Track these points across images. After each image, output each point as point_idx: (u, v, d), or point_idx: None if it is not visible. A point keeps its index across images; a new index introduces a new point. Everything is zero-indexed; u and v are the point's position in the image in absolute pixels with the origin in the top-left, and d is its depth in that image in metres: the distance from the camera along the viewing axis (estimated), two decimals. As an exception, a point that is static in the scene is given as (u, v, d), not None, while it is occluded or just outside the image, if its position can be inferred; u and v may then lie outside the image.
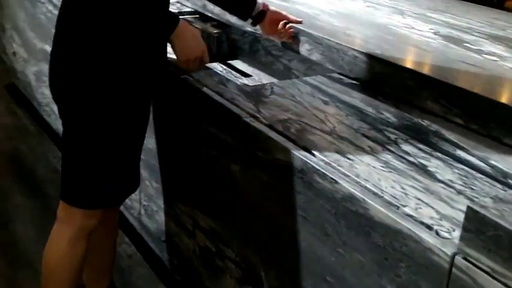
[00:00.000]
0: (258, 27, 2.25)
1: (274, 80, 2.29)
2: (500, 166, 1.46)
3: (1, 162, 3.67)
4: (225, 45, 2.83)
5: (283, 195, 1.58)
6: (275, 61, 2.52)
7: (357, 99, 1.86)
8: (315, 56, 2.20)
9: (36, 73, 3.75)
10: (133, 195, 2.52)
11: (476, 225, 1.07)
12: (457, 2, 2.97)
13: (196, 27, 2.04)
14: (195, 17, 2.83)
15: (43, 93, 3.70)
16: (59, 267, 2.02)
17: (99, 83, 1.80)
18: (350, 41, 2.14)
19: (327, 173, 1.41)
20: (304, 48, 2.24)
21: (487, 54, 2.07)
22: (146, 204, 2.49)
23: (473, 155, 1.51)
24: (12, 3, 4.17)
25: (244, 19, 2.23)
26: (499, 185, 1.36)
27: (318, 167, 1.44)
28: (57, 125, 3.49)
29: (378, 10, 2.64)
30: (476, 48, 2.13)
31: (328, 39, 2.13)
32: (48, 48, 2.97)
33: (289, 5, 2.69)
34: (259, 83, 2.16)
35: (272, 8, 2.22)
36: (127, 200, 2.64)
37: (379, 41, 2.17)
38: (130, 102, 1.89)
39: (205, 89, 1.91)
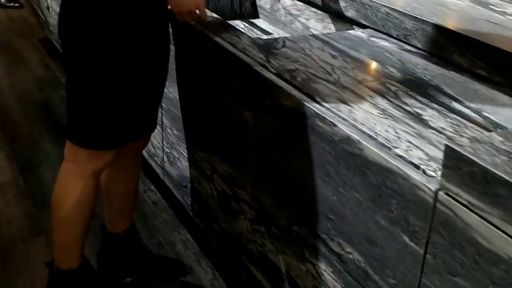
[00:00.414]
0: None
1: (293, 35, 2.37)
2: (492, 117, 1.52)
3: (33, 111, 3.79)
4: (248, 4, 2.90)
5: (290, 139, 1.66)
6: (294, 20, 2.59)
7: (364, 54, 1.92)
8: (350, 13, 2.29)
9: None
10: (156, 142, 2.63)
11: (454, 162, 1.14)
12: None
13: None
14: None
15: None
16: (63, 202, 2.05)
17: (103, 26, 1.82)
18: (382, -1, 2.22)
19: (327, 117, 1.49)
20: (339, 6, 2.33)
21: (510, 15, 2.13)
22: (168, 151, 2.59)
23: (468, 107, 1.57)
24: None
25: None
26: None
27: (318, 112, 1.52)
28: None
29: None
30: (500, 10, 2.19)
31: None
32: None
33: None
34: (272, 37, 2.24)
35: None
36: (151, 148, 2.75)
37: (410, 0, 2.24)
38: (134, 44, 1.90)
39: (219, 40, 1.98)
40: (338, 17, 2.35)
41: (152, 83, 2.05)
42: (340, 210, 1.52)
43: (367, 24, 2.21)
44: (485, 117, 1.53)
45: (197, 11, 1.96)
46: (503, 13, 2.15)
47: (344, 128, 1.44)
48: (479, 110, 1.57)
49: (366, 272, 1.47)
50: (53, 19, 4.23)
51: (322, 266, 1.63)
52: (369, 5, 2.20)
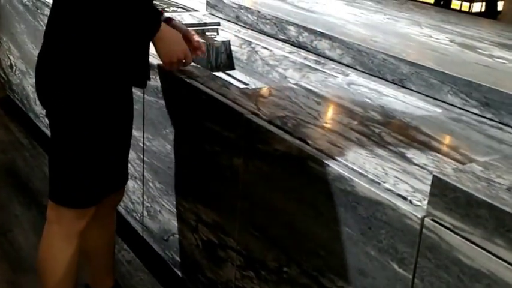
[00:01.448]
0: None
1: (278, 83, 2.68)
2: (468, 154, 1.81)
3: (-2, 175, 3.96)
4: (224, 56, 3.19)
5: (281, 182, 1.92)
6: (271, 70, 2.88)
7: (346, 100, 2.21)
8: (346, 60, 2.62)
9: (34, 84, 4.06)
10: (136, 198, 2.87)
11: (440, 190, 1.41)
12: (467, 16, 3.43)
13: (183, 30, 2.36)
14: (201, 29, 3.19)
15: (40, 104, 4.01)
16: (52, 265, 2.25)
17: (82, 87, 2.06)
18: (377, 46, 2.56)
19: (320, 158, 1.76)
20: (336, 53, 2.67)
21: (497, 58, 2.50)
22: (149, 206, 2.82)
23: (446, 145, 1.87)
24: (7, 15, 4.49)
25: None
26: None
27: (311, 154, 1.79)
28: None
29: (398, 22, 3.10)
30: (487, 53, 2.56)
31: (359, 44, 2.57)
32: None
33: (317, 16, 3.11)
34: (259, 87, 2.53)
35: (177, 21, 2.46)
36: (129, 204, 2.98)
37: (403, 46, 2.59)
38: (112, 103, 2.17)
39: (209, 91, 2.25)
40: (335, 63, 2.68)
41: (123, 139, 2.33)
42: (331, 246, 1.77)
43: (363, 70, 2.54)
44: (462, 154, 1.82)
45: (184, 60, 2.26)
46: (491, 56, 2.51)
47: (337, 168, 1.71)
48: (456, 147, 1.86)
49: (359, 304, 1.72)
50: (17, 78, 4.45)
51: (315, 303, 1.88)
52: (365, 52, 2.53)
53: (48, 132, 3.93)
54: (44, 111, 3.96)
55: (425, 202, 1.49)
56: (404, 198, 1.55)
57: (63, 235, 2.25)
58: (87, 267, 2.57)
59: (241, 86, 2.88)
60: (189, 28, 2.44)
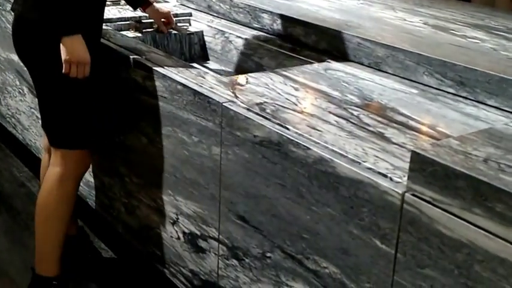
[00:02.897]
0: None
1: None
2: (445, 131, 1.94)
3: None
4: (197, 47, 3.29)
5: (262, 168, 2.03)
6: (247, 59, 2.98)
7: (323, 85, 2.32)
8: (321, 46, 2.76)
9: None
10: (112, 194, 2.96)
11: (419, 165, 1.53)
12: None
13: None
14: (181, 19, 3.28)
15: (8, 105, 4.07)
16: (47, 203, 2.73)
17: (47, 39, 2.50)
18: (352, 30, 2.69)
19: (300, 142, 1.87)
20: (311, 40, 2.80)
21: (470, 38, 2.65)
22: (126, 201, 2.91)
23: (423, 124, 1.99)
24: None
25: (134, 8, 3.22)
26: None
27: (292, 138, 1.89)
28: (24, 135, 3.89)
29: (372, 6, 3.26)
30: (461, 34, 2.71)
31: (334, 30, 2.71)
32: (14, 57, 3.42)
33: (291, 3, 3.24)
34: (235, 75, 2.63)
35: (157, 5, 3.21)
36: (106, 200, 3.06)
37: (378, 30, 2.73)
38: None
39: (185, 81, 2.35)
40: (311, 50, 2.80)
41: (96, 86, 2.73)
42: (314, 228, 1.88)
43: (339, 55, 2.67)
44: (439, 132, 1.94)
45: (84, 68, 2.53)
46: (464, 36, 2.66)
47: (317, 150, 1.82)
48: (433, 125, 1.98)
49: (343, 283, 1.83)
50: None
51: (300, 287, 1.98)
52: (340, 37, 2.67)
53: (15, 132, 4.01)
54: (9, 112, 4.04)
55: (405, 179, 1.61)
56: (385, 176, 1.67)
57: (62, 177, 2.70)
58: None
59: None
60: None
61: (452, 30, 2.73)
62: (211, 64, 3.20)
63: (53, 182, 2.72)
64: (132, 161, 2.79)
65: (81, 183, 3.14)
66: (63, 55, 2.46)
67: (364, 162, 1.73)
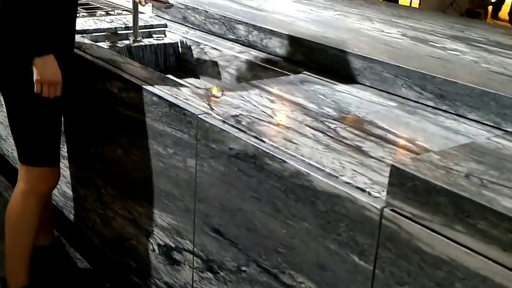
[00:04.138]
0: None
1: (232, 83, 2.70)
2: (425, 145, 1.86)
3: None
4: (173, 59, 3.20)
5: (237, 181, 1.94)
6: (222, 71, 2.90)
7: (300, 98, 2.24)
8: (298, 57, 2.66)
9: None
10: (88, 205, 2.86)
11: (398, 180, 1.45)
12: (418, 9, 3.50)
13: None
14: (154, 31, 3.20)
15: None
16: (12, 217, 2.69)
17: (17, 60, 2.43)
18: (329, 42, 2.60)
19: (276, 155, 1.78)
20: (287, 51, 2.71)
21: (450, 50, 2.55)
22: (102, 213, 2.81)
23: (402, 138, 1.91)
24: None
25: None
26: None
27: (268, 151, 1.81)
28: (1, 145, 3.78)
29: (348, 17, 3.16)
30: (440, 45, 2.62)
31: (310, 41, 2.61)
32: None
33: (266, 14, 3.15)
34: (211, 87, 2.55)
35: None
36: (81, 212, 2.97)
37: (355, 41, 2.64)
38: None
39: (160, 92, 2.27)
40: (286, 61, 2.71)
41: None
42: (290, 242, 1.80)
43: (316, 67, 2.58)
44: (418, 145, 1.86)
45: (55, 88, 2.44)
46: (444, 48, 2.57)
47: (293, 163, 1.73)
48: (413, 139, 1.90)
49: (320, 299, 1.75)
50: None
51: (276, 302, 1.90)
52: (317, 49, 2.57)
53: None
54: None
55: (384, 193, 1.53)
56: (363, 190, 1.59)
57: (28, 193, 2.64)
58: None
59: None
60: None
61: (432, 42, 2.65)
62: (187, 75, 3.11)
63: (17, 197, 2.68)
64: (108, 172, 2.70)
65: (57, 194, 3.08)
66: (35, 75, 2.38)
67: (342, 176, 1.65)
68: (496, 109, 2.00)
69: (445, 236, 1.37)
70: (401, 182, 1.44)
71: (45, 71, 2.38)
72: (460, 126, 2.02)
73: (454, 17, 3.39)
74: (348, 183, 1.62)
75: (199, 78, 3.04)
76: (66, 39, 2.59)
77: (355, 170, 1.68)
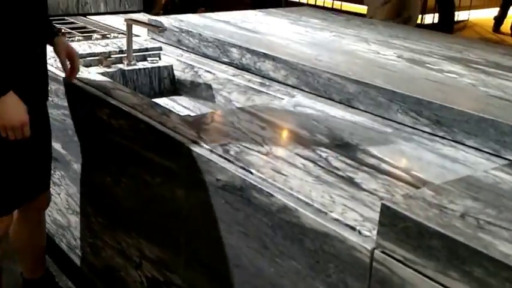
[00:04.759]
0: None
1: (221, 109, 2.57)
2: (420, 175, 1.72)
3: None
4: (167, 82, 3.08)
5: (225, 214, 1.81)
6: (216, 94, 2.78)
7: (291, 124, 2.11)
8: (291, 81, 2.54)
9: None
10: (77, 233, 2.74)
11: (389, 220, 1.32)
12: (415, 29, 3.34)
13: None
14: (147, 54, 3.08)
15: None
16: None
17: None
18: (323, 65, 2.46)
19: (263, 188, 1.65)
20: (280, 74, 2.57)
21: (447, 72, 2.40)
22: (91, 242, 2.69)
23: (396, 167, 1.77)
24: None
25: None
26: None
27: (255, 183, 1.68)
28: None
29: (344, 39, 2.99)
30: (437, 68, 2.46)
31: (303, 64, 2.47)
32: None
33: (261, 36, 3.01)
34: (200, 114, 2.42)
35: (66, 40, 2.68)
36: (72, 240, 2.85)
37: (349, 64, 2.49)
38: None
39: (148, 119, 2.15)
40: (280, 85, 2.58)
41: (30, 148, 2.39)
42: (278, 282, 1.66)
43: (309, 91, 2.44)
44: (413, 176, 1.72)
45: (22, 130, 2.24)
46: (441, 70, 2.41)
47: (281, 198, 1.60)
48: (408, 169, 1.76)
49: None
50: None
51: None
52: (310, 72, 2.44)
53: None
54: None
55: (375, 232, 1.40)
56: (353, 229, 1.46)
57: None
58: (21, 259, 2.83)
59: (186, 111, 2.77)
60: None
61: (428, 64, 2.51)
62: (182, 99, 2.99)
63: None
64: (98, 200, 2.58)
65: (48, 221, 2.98)
66: None
67: (331, 212, 1.52)
68: (495, 136, 1.86)
69: (439, 283, 1.25)
70: (392, 223, 1.31)
71: (5, 114, 2.17)
72: (457, 153, 1.88)
73: (452, 37, 3.22)
74: (337, 220, 1.49)
75: (193, 101, 2.92)
76: (32, 73, 2.35)
77: (345, 205, 1.55)
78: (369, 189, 1.63)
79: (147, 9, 4.74)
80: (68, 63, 2.54)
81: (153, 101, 2.43)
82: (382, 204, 1.34)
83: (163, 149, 2.07)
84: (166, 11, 7.64)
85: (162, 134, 2.06)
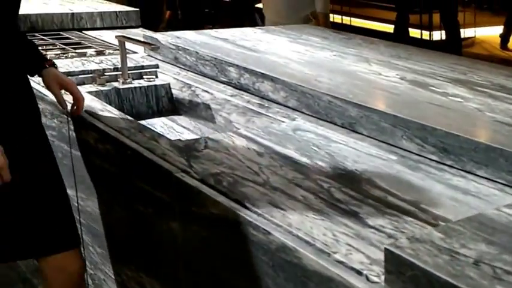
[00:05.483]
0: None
1: (216, 133, 2.45)
2: (431, 210, 1.58)
3: None
4: (165, 100, 2.96)
5: (222, 250, 1.69)
6: (215, 114, 2.65)
7: (291, 150, 1.98)
8: (291, 103, 2.40)
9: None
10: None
11: (395, 266, 1.19)
12: (418, 49, 3.20)
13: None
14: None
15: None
16: None
17: None
18: (323, 87, 2.34)
19: (260, 225, 1.52)
20: (280, 96, 2.45)
21: (451, 96, 2.24)
22: (93, 273, 2.56)
23: (404, 201, 1.63)
24: None
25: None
26: (429, 227, 1.48)
27: (250, 219, 1.55)
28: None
29: (344, 58, 2.85)
30: (441, 91, 2.30)
31: (303, 86, 2.35)
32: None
33: (260, 55, 2.88)
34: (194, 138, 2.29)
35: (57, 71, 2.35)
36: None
37: (350, 86, 2.35)
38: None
39: (135, 145, 2.03)
40: (280, 106, 2.45)
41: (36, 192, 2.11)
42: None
43: (310, 113, 2.31)
44: (423, 210, 1.59)
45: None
46: (445, 94, 2.26)
47: (279, 236, 1.47)
48: (416, 202, 1.63)
49: None
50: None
51: None
52: (310, 94, 2.31)
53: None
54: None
55: (384, 277, 1.27)
56: (359, 273, 1.32)
57: None
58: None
59: (186, 132, 2.65)
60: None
61: (432, 86, 2.36)
62: (181, 118, 2.87)
63: None
64: (94, 229, 2.45)
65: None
66: None
67: (335, 253, 1.39)
68: (506, 166, 1.71)
69: None
70: (399, 270, 1.18)
71: None
72: (468, 184, 1.74)
73: (455, 57, 3.07)
74: (341, 262, 1.36)
75: (193, 121, 2.79)
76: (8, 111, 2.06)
77: (350, 245, 1.42)
78: (375, 226, 1.51)
79: (149, 25, 4.64)
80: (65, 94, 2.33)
81: (142, 125, 2.31)
82: (386, 249, 1.21)
83: (152, 178, 1.95)
84: (171, 27, 7.54)
85: (150, 162, 1.94)
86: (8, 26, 2.06)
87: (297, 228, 1.49)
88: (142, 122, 2.58)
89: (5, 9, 2.04)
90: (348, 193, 1.67)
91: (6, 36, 2.05)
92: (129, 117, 2.32)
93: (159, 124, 2.68)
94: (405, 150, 1.96)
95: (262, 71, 2.52)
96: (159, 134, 2.20)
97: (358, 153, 1.96)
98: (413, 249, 1.19)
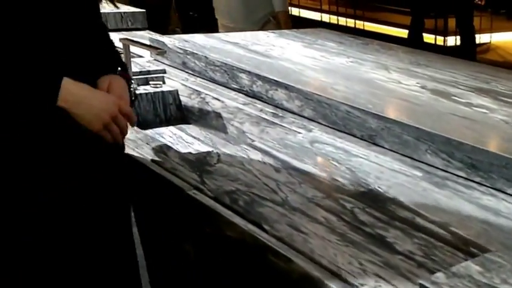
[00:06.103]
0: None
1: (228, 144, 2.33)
2: (460, 232, 1.47)
3: None
4: (173, 108, 2.84)
5: (242, 275, 1.57)
6: (227, 124, 2.53)
7: (309, 164, 1.86)
8: (307, 113, 2.27)
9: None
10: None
11: (435, 306, 1.07)
12: (437, 56, 3.07)
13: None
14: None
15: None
16: None
17: None
18: (340, 96, 2.20)
19: (281, 251, 1.41)
20: (294, 105, 2.32)
21: (476, 106, 2.11)
22: None
23: (432, 222, 1.51)
24: None
25: None
26: (460, 254, 1.37)
27: (270, 244, 1.44)
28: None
29: (362, 65, 2.70)
30: (464, 101, 2.17)
31: (319, 95, 2.21)
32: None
33: (273, 61, 2.74)
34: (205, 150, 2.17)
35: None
36: None
37: (368, 95, 2.22)
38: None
39: (141, 159, 1.92)
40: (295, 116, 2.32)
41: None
42: None
43: (327, 124, 2.18)
44: (452, 233, 1.47)
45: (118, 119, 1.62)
46: (469, 104, 2.13)
47: (302, 264, 1.35)
48: (445, 224, 1.51)
49: None
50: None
51: None
52: (327, 104, 2.18)
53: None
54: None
55: (417, 314, 1.15)
56: (391, 312, 1.21)
57: None
58: None
59: (196, 142, 2.51)
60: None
61: (455, 96, 2.22)
62: (191, 127, 2.73)
63: None
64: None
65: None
66: (88, 127, 1.59)
67: (363, 285, 1.27)
68: (540, 186, 1.60)
69: None
70: (439, 310, 1.06)
71: (88, 109, 1.57)
72: (499, 204, 1.61)
73: (477, 65, 2.92)
74: (370, 296, 1.25)
75: (204, 130, 2.65)
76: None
77: (378, 275, 1.30)
78: (404, 252, 1.38)
79: (158, 26, 4.50)
80: None
81: (149, 136, 2.18)
82: (421, 285, 1.09)
83: (163, 194, 1.83)
84: (185, 28, 7.34)
85: (158, 177, 1.83)
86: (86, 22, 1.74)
87: (320, 255, 1.38)
88: (149, 131, 2.47)
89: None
90: (373, 214, 1.56)
91: (84, 33, 1.72)
92: (136, 128, 2.19)
93: (167, 133, 2.55)
94: (430, 165, 1.83)
95: (276, 78, 2.39)
96: (169, 144, 2.07)
97: (380, 168, 1.83)
98: (451, 285, 1.08)
